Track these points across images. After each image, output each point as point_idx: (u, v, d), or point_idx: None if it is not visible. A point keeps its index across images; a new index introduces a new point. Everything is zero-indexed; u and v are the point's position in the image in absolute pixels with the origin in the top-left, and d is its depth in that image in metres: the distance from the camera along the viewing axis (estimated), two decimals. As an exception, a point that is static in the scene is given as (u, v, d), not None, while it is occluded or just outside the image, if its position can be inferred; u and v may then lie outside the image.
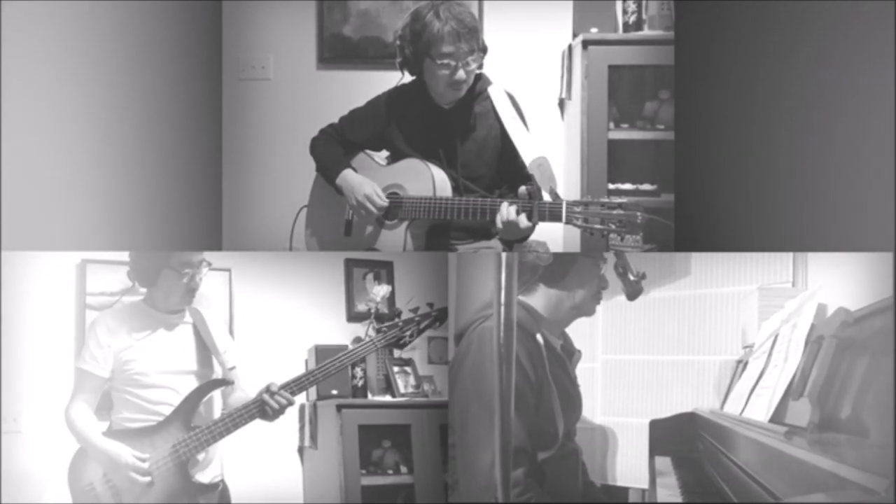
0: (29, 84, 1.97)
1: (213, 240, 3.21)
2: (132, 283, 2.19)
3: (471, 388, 1.91)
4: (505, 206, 2.23)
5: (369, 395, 3.01)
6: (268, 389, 2.09)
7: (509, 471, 1.40)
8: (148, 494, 2.05)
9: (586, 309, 2.06)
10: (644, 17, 3.18)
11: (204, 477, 2.13)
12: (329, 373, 2.16)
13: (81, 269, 2.66)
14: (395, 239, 2.47)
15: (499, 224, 2.24)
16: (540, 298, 2.04)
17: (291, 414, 2.92)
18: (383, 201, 2.45)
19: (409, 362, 3.10)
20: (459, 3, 2.39)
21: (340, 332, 3.11)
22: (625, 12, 3.21)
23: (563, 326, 2.10)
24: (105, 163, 2.33)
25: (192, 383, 2.14)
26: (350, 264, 3.15)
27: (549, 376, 1.97)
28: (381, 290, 3.10)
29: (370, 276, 3.17)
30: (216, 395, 2.19)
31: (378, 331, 2.24)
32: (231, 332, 2.86)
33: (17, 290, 2.50)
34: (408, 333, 2.22)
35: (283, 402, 2.09)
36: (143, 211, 2.52)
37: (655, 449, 2.41)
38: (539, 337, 1.98)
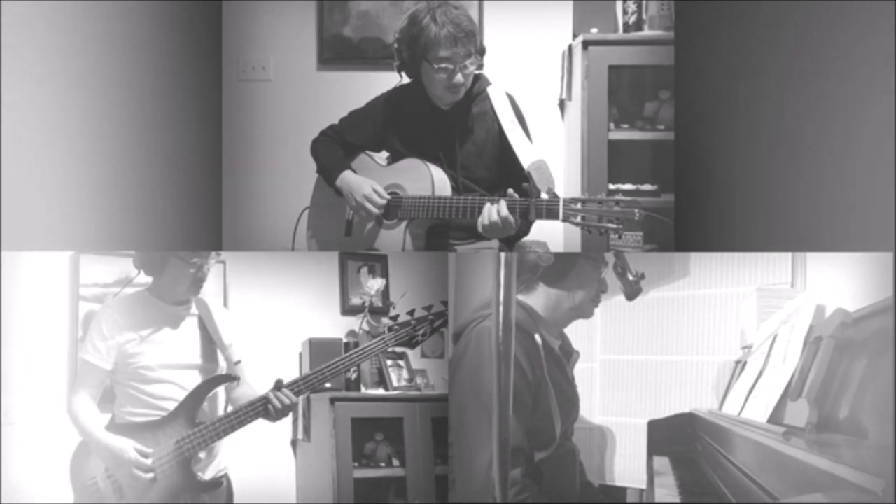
0: (29, 84, 1.98)
1: (214, 241, 3.21)
2: (138, 272, 2.17)
3: (468, 388, 1.91)
4: (486, 206, 2.22)
5: (362, 389, 3.02)
6: (277, 387, 2.08)
7: (507, 470, 1.40)
8: (151, 491, 2.03)
9: (585, 311, 2.06)
10: (644, 17, 3.18)
11: (207, 474, 2.12)
12: (338, 371, 2.15)
13: (74, 261, 2.66)
14: (394, 239, 2.47)
15: (479, 228, 2.23)
16: (539, 298, 2.04)
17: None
18: (383, 199, 2.44)
19: (402, 356, 3.12)
20: (456, 5, 2.39)
21: (334, 326, 3.12)
22: (625, 13, 3.21)
23: (561, 327, 2.10)
24: (105, 163, 2.33)
25: (196, 378, 2.12)
26: (344, 258, 3.17)
27: (546, 377, 1.97)
28: (375, 284, 3.11)
29: (364, 270, 3.18)
30: (220, 390, 2.18)
31: (390, 329, 2.21)
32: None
33: (10, 283, 2.50)
34: (420, 332, 2.19)
35: (287, 401, 2.07)
36: (144, 211, 2.53)
37: (654, 449, 2.42)
38: (537, 337, 1.98)
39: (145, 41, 2.53)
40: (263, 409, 2.07)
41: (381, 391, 3.02)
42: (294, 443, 3.00)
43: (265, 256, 3.03)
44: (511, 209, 2.20)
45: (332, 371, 2.13)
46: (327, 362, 2.15)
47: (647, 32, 3.16)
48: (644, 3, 3.18)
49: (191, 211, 2.97)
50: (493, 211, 2.21)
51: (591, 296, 2.05)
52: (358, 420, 2.84)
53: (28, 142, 1.99)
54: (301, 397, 2.91)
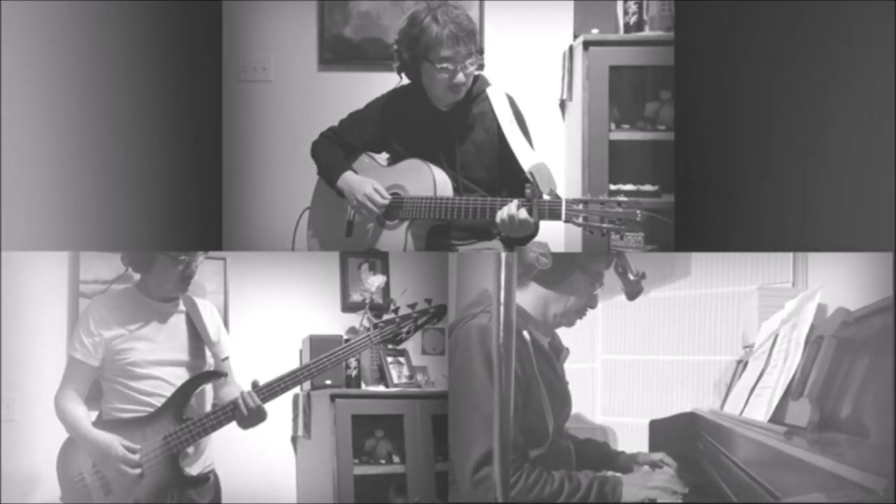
0: (28, 84, 1.98)
1: (214, 241, 3.22)
2: (126, 268, 2.18)
3: (459, 386, 1.92)
4: (511, 205, 2.23)
5: (363, 386, 3.02)
6: (252, 388, 2.09)
7: (508, 471, 1.40)
8: (138, 487, 2.04)
9: (569, 320, 2.06)
10: (645, 17, 3.18)
11: (194, 469, 2.13)
12: (324, 368, 2.16)
13: (74, 259, 2.67)
14: (395, 239, 2.47)
15: (497, 220, 2.23)
16: (528, 297, 2.03)
17: (285, 404, 2.95)
18: (384, 198, 2.44)
19: (402, 353, 3.11)
20: (456, 5, 2.39)
21: (335, 323, 3.12)
22: (626, 13, 3.20)
23: (548, 329, 2.09)
24: (105, 164, 2.33)
25: (183, 374, 2.13)
26: (345, 255, 3.17)
27: (536, 373, 1.97)
28: (375, 281, 3.11)
29: (365, 267, 3.18)
30: (207, 386, 2.18)
31: (375, 326, 2.23)
32: (225, 321, 2.87)
33: (10, 283, 2.51)
34: (405, 330, 2.22)
35: (252, 404, 2.07)
36: (143, 212, 2.53)
37: (655, 448, 2.41)
38: (525, 334, 1.98)
39: (145, 41, 2.53)
40: (232, 412, 2.08)
41: (381, 388, 3.02)
42: (294, 439, 3.01)
43: (265, 255, 3.04)
44: (516, 206, 2.21)
45: (318, 368, 2.14)
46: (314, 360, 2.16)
47: (647, 33, 3.16)
48: (645, 3, 3.17)
49: (191, 211, 2.97)
50: (512, 206, 2.20)
51: (577, 308, 2.05)
52: (358, 417, 2.84)
53: (27, 142, 1.99)
54: (301, 395, 2.93)
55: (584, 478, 1.91)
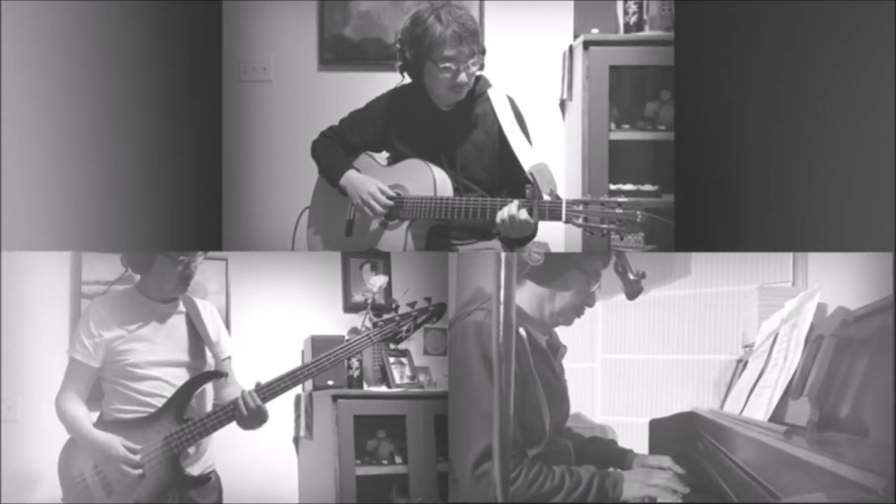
0: (28, 84, 1.98)
1: (214, 241, 3.22)
2: (125, 269, 2.18)
3: (457, 383, 1.93)
4: (511, 205, 2.23)
5: (365, 386, 3.02)
6: (255, 388, 2.09)
7: (508, 470, 1.40)
8: (139, 487, 2.05)
9: (566, 319, 2.06)
10: (645, 17, 3.18)
11: (195, 469, 2.14)
12: (324, 367, 2.16)
13: (76, 259, 2.68)
14: (395, 239, 2.47)
15: (497, 220, 2.24)
16: (525, 295, 2.03)
17: (287, 404, 2.94)
18: (389, 198, 2.44)
19: (404, 353, 3.11)
20: (459, 5, 2.40)
21: (337, 323, 3.12)
22: (626, 13, 3.21)
23: (545, 328, 2.10)
24: (105, 164, 2.34)
25: (184, 375, 2.14)
26: (347, 255, 3.17)
27: (533, 370, 1.98)
28: (377, 281, 3.11)
29: (367, 267, 3.18)
30: (208, 386, 2.19)
31: (374, 325, 2.24)
32: (227, 322, 2.87)
33: (10, 283, 2.52)
34: (404, 328, 2.22)
35: (252, 404, 2.07)
36: (144, 212, 2.53)
37: (655, 448, 2.41)
38: (521, 331, 1.98)
39: (145, 41, 2.53)
40: (233, 412, 2.08)
41: (383, 388, 3.02)
42: (296, 440, 3.01)
43: (267, 256, 3.04)
44: (517, 207, 2.22)
45: (317, 367, 2.15)
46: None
47: (647, 33, 3.16)
48: (645, 3, 3.18)
49: (191, 211, 2.97)
50: (513, 206, 2.21)
51: (574, 306, 2.04)
52: (360, 417, 2.84)
53: (28, 142, 1.99)
54: (304, 395, 2.93)
55: (585, 472, 1.91)
